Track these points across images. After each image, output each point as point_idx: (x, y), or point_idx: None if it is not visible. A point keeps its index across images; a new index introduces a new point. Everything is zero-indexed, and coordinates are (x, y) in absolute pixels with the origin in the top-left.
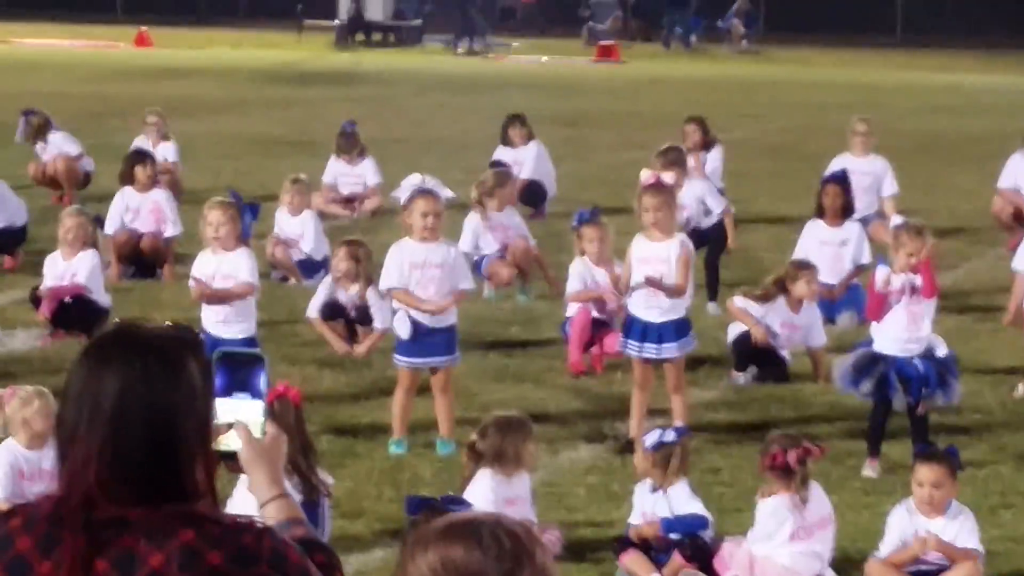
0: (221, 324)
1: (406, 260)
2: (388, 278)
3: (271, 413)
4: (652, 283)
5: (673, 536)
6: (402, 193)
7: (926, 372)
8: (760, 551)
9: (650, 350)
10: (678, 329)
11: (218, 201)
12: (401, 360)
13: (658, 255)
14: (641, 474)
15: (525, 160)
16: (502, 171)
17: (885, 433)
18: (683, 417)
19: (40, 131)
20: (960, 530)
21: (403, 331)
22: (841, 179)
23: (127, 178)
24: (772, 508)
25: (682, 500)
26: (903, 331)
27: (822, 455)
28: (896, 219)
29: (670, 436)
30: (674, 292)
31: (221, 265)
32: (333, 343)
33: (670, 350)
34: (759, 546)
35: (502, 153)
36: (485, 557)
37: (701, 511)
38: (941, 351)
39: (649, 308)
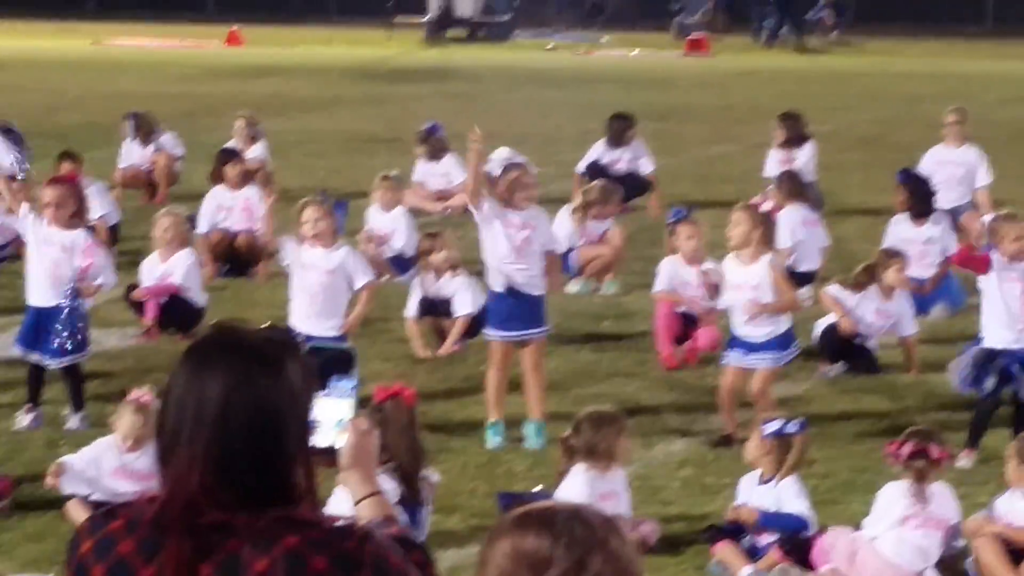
0: (312, 320)
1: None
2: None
3: (379, 411)
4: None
5: (768, 529)
6: (494, 167)
7: None
8: (869, 533)
9: (751, 360)
10: (780, 343)
11: (309, 200)
12: (492, 334)
13: (748, 281)
14: (751, 463)
15: (639, 156)
16: (611, 188)
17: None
18: None
19: (150, 132)
20: None
21: (498, 285)
22: (907, 179)
23: (218, 177)
24: (889, 490)
25: (791, 495)
26: (1017, 321)
27: (947, 459)
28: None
29: (792, 427)
30: (783, 308)
31: (322, 260)
32: (415, 346)
33: (766, 360)
34: (870, 529)
35: (599, 150)
36: (555, 545)
37: (806, 511)
38: None
39: (750, 327)
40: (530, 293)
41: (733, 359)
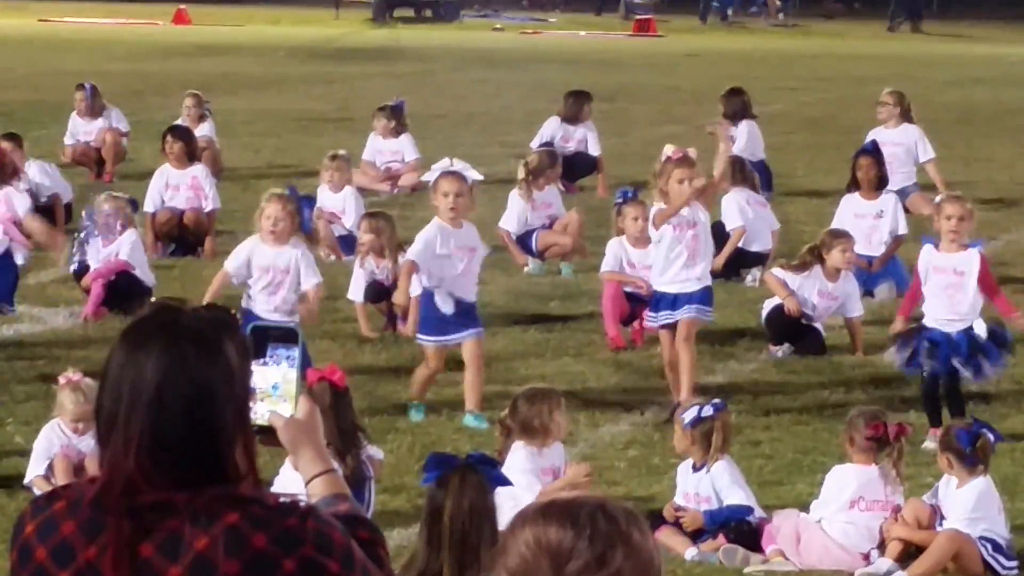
0: (270, 317)
1: (438, 242)
2: (413, 251)
3: (309, 393)
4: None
5: (716, 527)
6: (431, 176)
7: (957, 341)
8: (816, 515)
9: (664, 316)
10: (701, 297)
11: (277, 194)
12: (426, 340)
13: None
14: (681, 453)
15: (588, 135)
16: (550, 151)
17: (940, 402)
18: (690, 372)
19: (101, 106)
20: None
21: (446, 307)
22: (872, 151)
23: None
24: (839, 475)
25: (725, 480)
26: (943, 309)
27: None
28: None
29: (708, 411)
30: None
31: (278, 259)
32: (363, 327)
33: (685, 311)
34: (817, 511)
35: (553, 126)
36: (578, 538)
37: (743, 499)
38: (981, 331)
39: (674, 283)
40: (468, 301)
41: (652, 320)
